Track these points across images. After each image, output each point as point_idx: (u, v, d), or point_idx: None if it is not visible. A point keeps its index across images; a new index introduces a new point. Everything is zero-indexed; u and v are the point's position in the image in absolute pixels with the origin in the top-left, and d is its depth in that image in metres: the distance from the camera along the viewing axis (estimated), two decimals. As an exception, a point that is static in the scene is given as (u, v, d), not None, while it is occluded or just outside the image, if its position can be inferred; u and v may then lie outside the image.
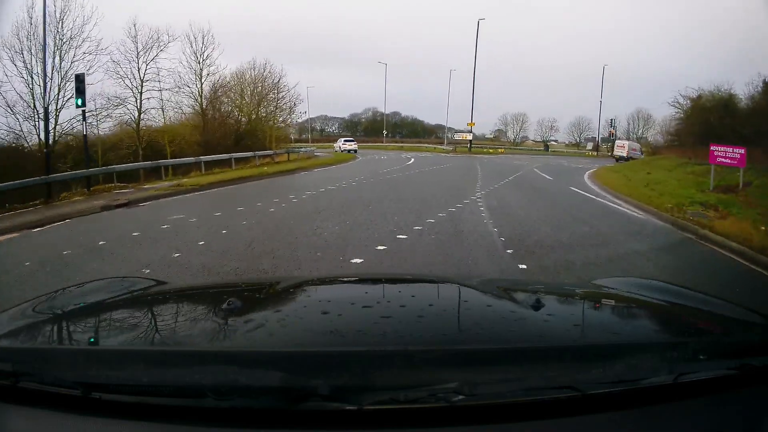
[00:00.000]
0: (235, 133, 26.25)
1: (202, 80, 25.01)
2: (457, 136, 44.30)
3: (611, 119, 66.28)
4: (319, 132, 75.27)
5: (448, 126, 65.99)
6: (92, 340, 1.10)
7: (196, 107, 25.20)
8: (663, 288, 1.58)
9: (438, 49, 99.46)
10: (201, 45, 24.68)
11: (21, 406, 0.86)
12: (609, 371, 0.90)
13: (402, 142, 61.82)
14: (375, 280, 1.72)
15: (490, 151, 47.76)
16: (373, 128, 69.66)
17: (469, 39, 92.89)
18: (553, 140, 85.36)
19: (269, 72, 28.23)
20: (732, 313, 1.32)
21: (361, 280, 1.80)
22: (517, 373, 0.87)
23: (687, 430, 0.86)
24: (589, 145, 67.61)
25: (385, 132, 60.46)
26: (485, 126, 75.75)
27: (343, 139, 43.24)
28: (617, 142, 48.76)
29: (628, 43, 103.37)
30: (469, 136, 46.97)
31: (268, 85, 28.30)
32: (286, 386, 0.82)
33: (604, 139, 65.13)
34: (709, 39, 77.94)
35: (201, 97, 25.17)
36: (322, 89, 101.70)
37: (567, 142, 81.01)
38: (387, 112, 69.07)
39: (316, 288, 1.55)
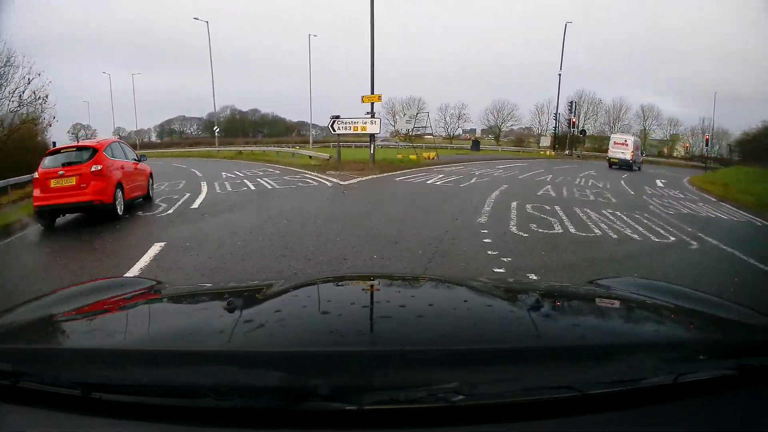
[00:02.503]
0: None
1: None
2: (343, 129, 20.60)
3: (571, 102, 46.61)
4: (178, 134, 65.19)
5: (313, 122, 54.42)
6: (92, 340, 1.09)
7: None
8: (663, 288, 1.58)
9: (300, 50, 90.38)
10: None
11: (21, 406, 0.86)
12: (608, 371, 0.90)
13: (255, 144, 46.67)
14: (375, 280, 1.71)
15: (411, 157, 24.66)
16: (232, 127, 61.46)
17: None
18: (465, 132, 69.15)
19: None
20: (731, 313, 1.32)
21: (361, 280, 1.78)
22: (516, 373, 0.87)
23: (687, 430, 0.86)
24: (545, 141, 47.18)
25: (216, 130, 40.29)
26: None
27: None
28: (614, 137, 34.14)
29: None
30: (371, 126, 20.64)
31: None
32: (286, 386, 0.82)
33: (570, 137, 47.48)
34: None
35: None
36: (182, 90, 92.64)
37: (481, 135, 66.91)
38: (246, 109, 62.38)
39: (316, 288, 1.52)
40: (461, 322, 1.14)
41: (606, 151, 54.19)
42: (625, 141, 31.91)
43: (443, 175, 17.79)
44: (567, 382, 0.84)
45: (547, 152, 44.82)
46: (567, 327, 1.20)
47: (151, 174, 11.42)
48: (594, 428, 0.83)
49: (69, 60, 70.57)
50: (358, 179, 16.12)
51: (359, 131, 20.90)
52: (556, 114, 49.36)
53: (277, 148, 33.25)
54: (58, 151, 9.20)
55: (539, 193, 13.43)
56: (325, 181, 15.42)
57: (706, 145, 40.72)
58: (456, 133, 69.39)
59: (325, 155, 23.92)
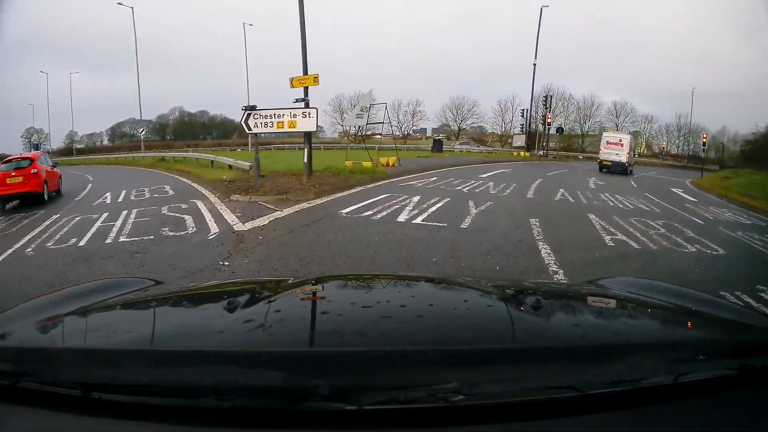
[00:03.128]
0: None
1: None
2: (262, 125, 14.12)
3: (546, 96, 41.26)
4: (128, 137, 58.73)
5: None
6: (92, 340, 1.09)
7: None
8: (663, 288, 1.58)
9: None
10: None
11: (21, 406, 0.86)
12: (609, 371, 0.90)
13: (197, 148, 40.66)
14: (375, 280, 1.72)
15: (365, 164, 16.65)
16: (181, 130, 57.99)
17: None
18: (416, 132, 61.40)
19: None
20: (732, 313, 1.33)
21: (361, 280, 1.78)
22: (516, 373, 0.87)
23: (687, 430, 0.86)
24: (518, 142, 41.62)
25: (142, 132, 39.02)
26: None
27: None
28: (607, 136, 28.49)
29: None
30: (304, 122, 13.24)
31: None
32: (286, 386, 0.82)
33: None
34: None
35: None
36: (130, 92, 78.71)
37: (436, 135, 58.45)
38: (194, 111, 57.85)
39: (316, 288, 1.51)
40: (461, 322, 1.14)
41: (577, 150, 49.80)
42: (620, 141, 26.82)
43: (418, 197, 10.93)
44: (567, 382, 0.84)
45: (521, 153, 39.25)
46: (567, 327, 1.20)
47: (60, 176, 15.70)
48: (594, 428, 0.83)
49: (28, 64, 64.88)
50: (275, 214, 9.24)
51: (287, 128, 13.72)
52: (528, 110, 44.19)
53: (197, 155, 25.89)
54: (10, 160, 14.01)
55: (609, 244, 7.33)
56: (213, 222, 8.76)
57: (704, 145, 36.04)
58: (410, 132, 63.66)
59: (247, 164, 16.59)
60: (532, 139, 44.12)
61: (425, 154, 34.37)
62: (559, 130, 44.22)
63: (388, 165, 19.36)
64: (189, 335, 1.10)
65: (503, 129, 59.82)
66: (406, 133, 62.99)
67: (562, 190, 14.39)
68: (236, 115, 61.61)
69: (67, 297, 1.39)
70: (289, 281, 1.66)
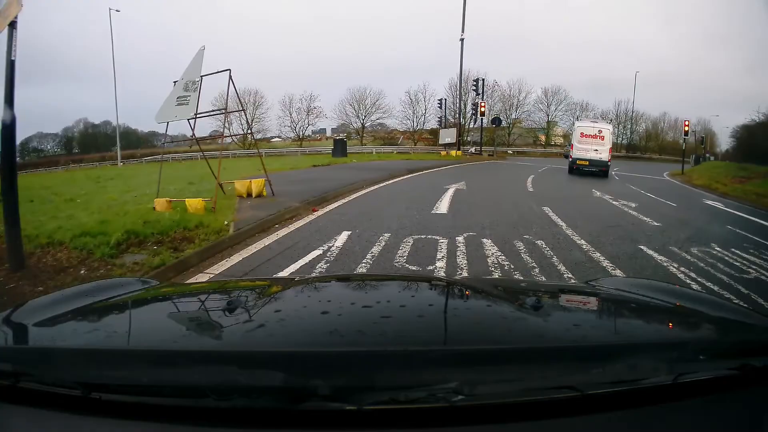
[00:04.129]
0: None
1: None
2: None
3: (478, 79, 33.79)
4: (36, 154, 53.83)
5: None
6: (92, 340, 1.09)
7: None
8: (663, 288, 1.57)
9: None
10: None
11: (21, 406, 0.86)
12: (609, 371, 0.90)
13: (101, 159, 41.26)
14: (375, 280, 1.73)
15: (193, 207, 7.81)
16: (85, 143, 53.58)
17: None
18: (315, 133, 55.95)
19: None
20: (732, 313, 1.32)
21: (361, 280, 1.78)
22: (516, 373, 0.87)
23: (687, 430, 0.86)
24: (447, 138, 33.85)
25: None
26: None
27: None
28: (581, 126, 22.13)
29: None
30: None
31: None
32: (286, 386, 0.82)
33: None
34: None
35: None
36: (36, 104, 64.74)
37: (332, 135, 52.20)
38: (98, 122, 52.87)
39: (316, 288, 1.51)
40: (461, 322, 1.14)
41: (503, 144, 43.03)
42: (600, 132, 20.86)
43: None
44: (567, 382, 0.84)
45: (452, 152, 31.47)
46: (567, 327, 1.19)
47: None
48: (594, 428, 0.83)
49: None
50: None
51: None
52: (458, 95, 36.47)
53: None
54: None
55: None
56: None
57: (686, 134, 30.34)
58: (306, 133, 54.70)
59: None
60: (461, 134, 36.66)
61: (325, 160, 24.87)
62: (496, 121, 36.62)
63: (248, 195, 10.14)
64: (189, 335, 1.12)
65: (414, 124, 52.67)
66: (301, 134, 54.14)
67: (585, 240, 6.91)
68: (140, 124, 55.31)
69: (67, 297, 1.38)
70: (289, 281, 1.68)
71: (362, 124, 53.08)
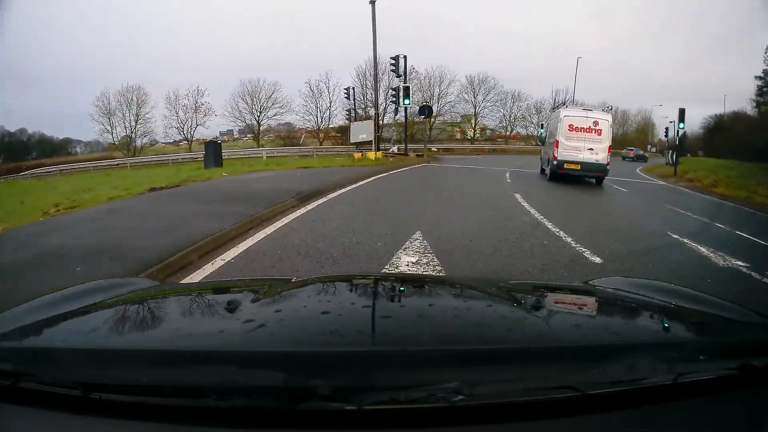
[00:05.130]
0: None
1: None
2: None
3: (397, 57, 25.80)
4: None
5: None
6: (92, 340, 1.08)
7: None
8: (663, 288, 1.56)
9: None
10: None
11: (21, 406, 0.86)
12: (609, 371, 0.90)
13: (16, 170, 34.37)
14: (375, 280, 1.70)
15: None
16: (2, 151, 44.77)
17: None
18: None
19: None
20: (732, 313, 1.31)
21: (361, 280, 1.74)
22: (516, 373, 0.87)
23: (687, 430, 0.86)
24: (361, 134, 25.42)
25: None
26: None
27: None
28: (569, 114, 15.67)
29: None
30: None
31: None
32: (286, 386, 0.82)
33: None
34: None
35: None
36: None
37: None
38: (13, 130, 45.96)
39: (316, 288, 1.49)
40: (461, 322, 1.13)
41: (420, 140, 35.68)
42: (596, 124, 15.27)
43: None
44: (567, 382, 0.84)
45: (369, 154, 23.06)
46: (567, 327, 1.18)
47: None
48: (594, 428, 0.83)
49: None
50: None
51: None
52: (375, 81, 27.87)
53: None
54: None
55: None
56: None
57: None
58: (194, 136, 45.12)
59: None
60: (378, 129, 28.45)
61: (183, 175, 15.65)
62: (424, 110, 27.11)
63: None
64: (189, 335, 1.10)
65: (318, 120, 44.27)
66: (190, 136, 44.02)
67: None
68: (55, 132, 50.21)
69: (67, 297, 1.37)
70: (289, 281, 1.63)
71: (257, 121, 43.71)
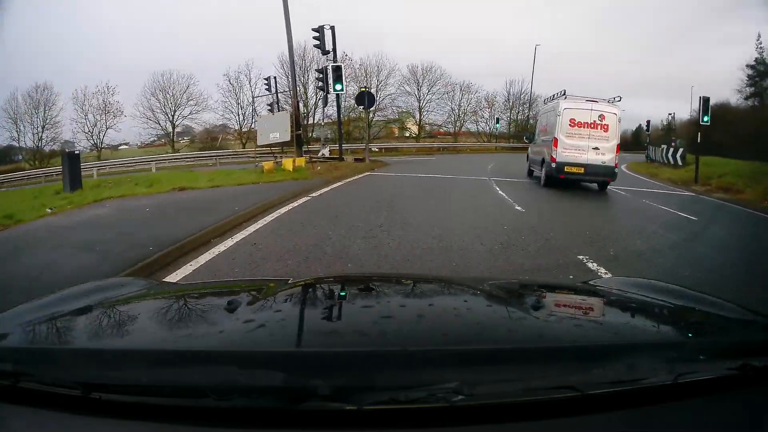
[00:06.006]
0: None
1: None
2: None
3: (320, 27, 18.95)
4: None
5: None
6: (92, 340, 1.08)
7: None
8: (663, 288, 1.56)
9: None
10: None
11: (21, 406, 0.86)
12: (609, 371, 0.90)
13: None
14: (375, 280, 1.70)
15: None
16: None
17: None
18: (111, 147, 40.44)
19: None
20: (732, 313, 1.31)
21: (361, 280, 1.76)
22: (516, 373, 0.87)
23: (687, 430, 0.86)
24: (273, 133, 17.82)
25: None
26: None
27: None
28: (568, 107, 12.52)
29: None
30: None
31: None
32: (286, 386, 0.82)
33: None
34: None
35: None
36: None
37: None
38: None
39: (317, 288, 1.50)
40: (461, 322, 1.12)
41: (360, 140, 29.23)
42: (602, 118, 12.42)
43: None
44: (567, 382, 0.84)
45: (286, 162, 16.20)
46: (567, 327, 1.18)
47: None
48: (594, 428, 0.83)
49: None
50: None
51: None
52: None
53: None
54: None
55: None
56: None
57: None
58: (105, 142, 37.86)
59: None
60: (303, 129, 21.55)
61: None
62: (363, 98, 18.92)
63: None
64: (189, 335, 1.10)
65: (240, 118, 37.00)
66: (100, 143, 36.01)
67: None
68: None
69: (67, 297, 1.36)
70: (289, 281, 1.62)
71: (172, 121, 36.01)
